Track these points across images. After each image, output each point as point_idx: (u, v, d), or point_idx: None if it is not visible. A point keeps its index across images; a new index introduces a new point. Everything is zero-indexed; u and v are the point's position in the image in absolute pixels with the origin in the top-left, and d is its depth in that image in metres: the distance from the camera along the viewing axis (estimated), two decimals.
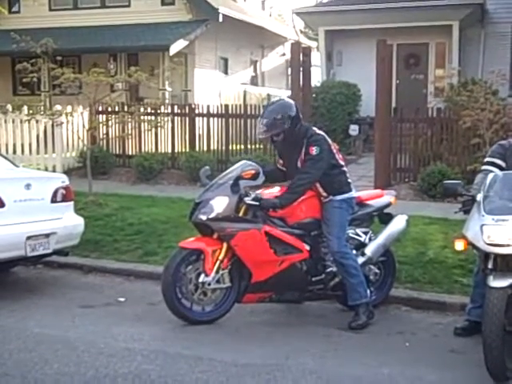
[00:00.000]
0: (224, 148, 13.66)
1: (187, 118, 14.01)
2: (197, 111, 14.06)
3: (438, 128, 12.03)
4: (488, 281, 4.62)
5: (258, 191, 5.71)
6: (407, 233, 7.17)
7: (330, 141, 5.89)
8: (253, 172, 5.71)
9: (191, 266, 5.66)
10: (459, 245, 4.88)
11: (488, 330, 4.47)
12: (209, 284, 5.62)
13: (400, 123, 12.29)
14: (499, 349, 4.46)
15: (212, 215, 5.61)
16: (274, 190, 5.95)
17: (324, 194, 5.85)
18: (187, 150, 13.71)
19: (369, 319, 5.74)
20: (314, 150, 5.62)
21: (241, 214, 5.64)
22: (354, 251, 6.04)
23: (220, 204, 5.64)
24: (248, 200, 5.60)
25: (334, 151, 5.87)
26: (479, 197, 4.86)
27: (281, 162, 6.05)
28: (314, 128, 5.86)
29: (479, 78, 14.35)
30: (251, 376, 4.68)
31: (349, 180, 6.00)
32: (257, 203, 5.60)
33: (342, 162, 6.02)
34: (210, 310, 5.79)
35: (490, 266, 4.66)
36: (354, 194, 6.05)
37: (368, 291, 5.87)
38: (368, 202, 6.28)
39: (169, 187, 12.43)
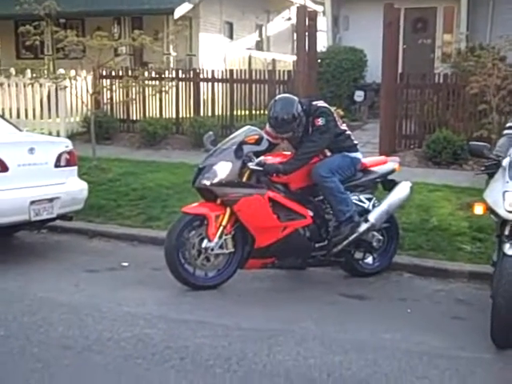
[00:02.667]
0: (228, 113, 13.48)
1: (192, 83, 13.79)
2: (201, 76, 13.88)
3: (445, 94, 11.89)
4: (504, 248, 4.55)
5: (262, 157, 5.66)
6: (411, 200, 7.11)
7: (332, 109, 5.94)
8: (256, 137, 5.66)
9: (194, 232, 5.62)
10: (478, 209, 4.81)
11: (500, 297, 4.42)
12: (212, 249, 5.58)
13: (406, 89, 12.10)
14: (509, 316, 4.42)
15: (215, 180, 5.57)
16: (278, 158, 5.91)
17: (329, 154, 5.90)
18: (191, 115, 13.58)
19: (352, 231, 5.73)
20: (320, 121, 5.65)
21: (244, 180, 5.61)
22: (357, 217, 6.01)
23: (223, 169, 5.60)
24: (251, 165, 5.56)
25: (337, 118, 5.91)
26: (505, 162, 4.74)
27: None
28: (315, 102, 5.83)
29: (487, 44, 14.13)
30: (254, 340, 4.68)
31: (355, 142, 6.05)
32: (260, 168, 5.55)
33: (345, 127, 6.05)
34: (212, 276, 5.76)
35: (506, 233, 4.59)
36: (359, 155, 6.05)
37: (350, 206, 5.81)
38: (372, 169, 6.23)
39: (173, 152, 12.31)
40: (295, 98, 5.81)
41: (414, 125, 11.99)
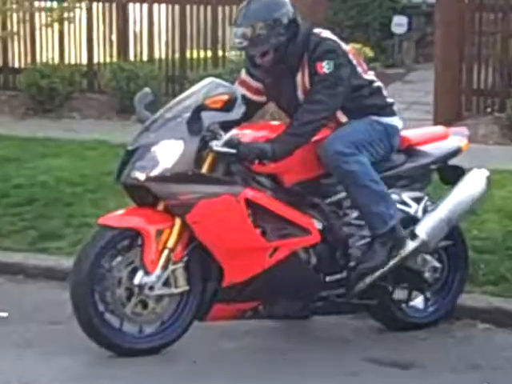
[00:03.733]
0: (178, 56, 10.40)
1: (114, 5, 10.37)
2: None
3: None
4: None
5: (234, 131, 4.38)
6: (488, 199, 5.74)
7: (345, 47, 4.63)
8: (224, 97, 4.25)
9: (120, 258, 4.31)
10: None
11: None
12: (151, 288, 4.25)
13: (479, 13, 9.44)
14: None
15: (155, 172, 4.27)
16: (262, 131, 4.60)
17: (344, 119, 4.60)
18: (114, 59, 10.49)
19: (392, 253, 4.65)
20: (325, 67, 4.43)
21: (204, 170, 4.27)
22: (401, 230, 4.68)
23: (169, 153, 4.30)
24: (217, 146, 4.26)
25: (355, 62, 4.58)
26: None
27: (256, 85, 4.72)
28: (318, 31, 4.54)
29: None
30: None
31: (389, 100, 4.72)
32: (233, 151, 4.24)
33: (372, 77, 4.68)
34: (152, 332, 4.49)
35: None
36: (399, 123, 4.73)
37: (393, 209, 4.59)
38: (421, 148, 4.88)
39: (82, 123, 9.64)
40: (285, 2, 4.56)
41: (493, 73, 9.53)
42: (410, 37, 12.31)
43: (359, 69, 4.55)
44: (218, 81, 4.45)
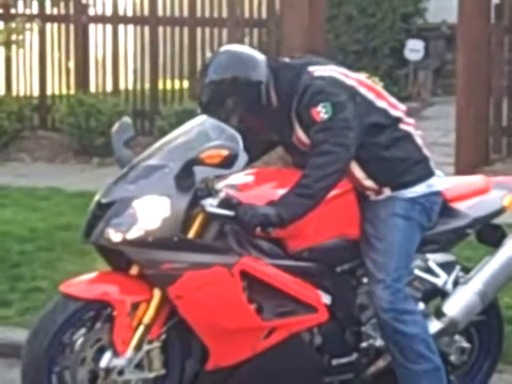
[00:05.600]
0: (148, 87, 9.15)
1: (72, 26, 9.18)
2: (92, 12, 9.26)
3: None
4: None
5: (228, 180, 3.75)
6: None
7: (348, 80, 3.76)
8: (224, 154, 3.50)
9: (85, 333, 3.65)
10: None
11: None
12: (120, 372, 3.60)
13: (509, 36, 8.28)
14: None
15: (133, 234, 3.57)
16: (269, 183, 3.95)
17: (372, 184, 3.83)
18: (72, 91, 9.33)
19: None
20: (322, 112, 3.65)
21: (192, 234, 3.59)
22: (422, 305, 3.97)
23: (151, 212, 3.60)
24: (212, 206, 3.58)
25: (371, 95, 3.75)
26: None
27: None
28: (313, 68, 3.74)
29: None
30: None
31: (424, 152, 3.88)
32: (230, 213, 3.57)
33: (399, 112, 3.82)
34: None
35: None
36: (439, 182, 3.95)
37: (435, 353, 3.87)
38: (456, 206, 4.11)
39: (33, 167, 8.70)
40: (258, 57, 3.81)
41: None
42: (426, 65, 11.15)
43: (378, 100, 3.70)
44: (215, 122, 3.65)
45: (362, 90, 3.64)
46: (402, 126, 3.71)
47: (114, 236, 3.44)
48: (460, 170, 6.57)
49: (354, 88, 3.64)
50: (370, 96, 3.66)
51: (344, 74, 3.60)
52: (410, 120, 3.79)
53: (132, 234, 3.43)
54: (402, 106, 3.80)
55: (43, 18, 9.03)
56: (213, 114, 3.62)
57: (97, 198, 3.52)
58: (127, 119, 3.96)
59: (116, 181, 3.56)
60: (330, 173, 3.57)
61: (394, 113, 3.68)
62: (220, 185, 3.53)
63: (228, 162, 3.41)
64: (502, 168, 7.74)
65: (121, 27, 9.09)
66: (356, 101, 3.63)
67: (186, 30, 8.78)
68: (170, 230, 3.46)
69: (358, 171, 3.64)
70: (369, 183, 3.66)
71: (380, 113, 3.66)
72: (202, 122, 3.68)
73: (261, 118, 3.74)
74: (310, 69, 3.63)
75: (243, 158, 3.51)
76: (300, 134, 3.62)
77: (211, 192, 3.46)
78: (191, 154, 3.42)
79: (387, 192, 3.68)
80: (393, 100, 3.74)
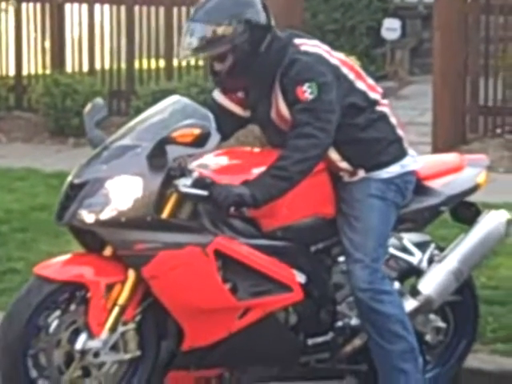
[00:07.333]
0: (124, 67, 9.10)
1: (47, 6, 9.05)
2: None
3: None
4: None
5: (201, 160, 3.66)
6: (502, 243, 4.85)
7: (332, 59, 3.70)
8: (196, 132, 3.42)
9: (59, 315, 3.56)
10: None
11: None
12: (96, 354, 3.54)
13: (486, 15, 8.06)
14: None
15: (106, 214, 3.51)
16: (241, 161, 3.90)
17: (347, 166, 3.75)
18: (48, 71, 9.27)
19: None
20: (307, 91, 3.57)
21: (166, 214, 3.52)
22: (397, 284, 3.92)
23: (124, 192, 3.53)
24: (186, 186, 3.50)
25: (352, 76, 3.69)
26: None
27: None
28: (299, 41, 3.67)
29: None
30: None
31: (398, 132, 3.81)
32: (204, 193, 3.49)
33: (377, 94, 3.77)
34: None
35: None
36: (412, 161, 3.89)
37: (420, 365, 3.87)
38: (430, 184, 4.05)
39: (9, 148, 8.56)
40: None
41: (503, 87, 8.32)
42: (404, 44, 10.96)
43: (358, 83, 3.64)
44: (188, 102, 3.64)
45: (345, 70, 3.58)
46: (378, 108, 3.67)
47: (87, 217, 3.39)
48: (437, 149, 6.53)
49: (338, 68, 3.58)
50: (351, 76, 3.61)
51: (328, 52, 3.55)
52: (386, 101, 3.74)
53: (105, 215, 3.39)
54: (379, 89, 3.75)
55: None
56: (213, 50, 3.52)
57: (69, 178, 3.45)
58: (99, 100, 3.89)
59: (88, 161, 3.51)
60: (309, 157, 3.51)
61: (373, 95, 3.64)
62: (193, 164, 3.48)
63: (200, 141, 3.35)
64: (479, 147, 7.70)
65: (97, 7, 9.00)
66: (340, 81, 3.56)
67: (162, 10, 8.72)
68: (143, 209, 3.41)
69: (333, 153, 3.58)
70: (343, 165, 3.61)
71: (359, 94, 3.61)
72: (174, 101, 3.63)
73: (246, 74, 3.61)
74: (296, 41, 3.56)
75: (216, 137, 3.45)
76: (282, 107, 3.53)
77: (184, 171, 3.42)
78: (163, 133, 3.38)
79: (361, 173, 3.64)
80: (371, 81, 3.68)
